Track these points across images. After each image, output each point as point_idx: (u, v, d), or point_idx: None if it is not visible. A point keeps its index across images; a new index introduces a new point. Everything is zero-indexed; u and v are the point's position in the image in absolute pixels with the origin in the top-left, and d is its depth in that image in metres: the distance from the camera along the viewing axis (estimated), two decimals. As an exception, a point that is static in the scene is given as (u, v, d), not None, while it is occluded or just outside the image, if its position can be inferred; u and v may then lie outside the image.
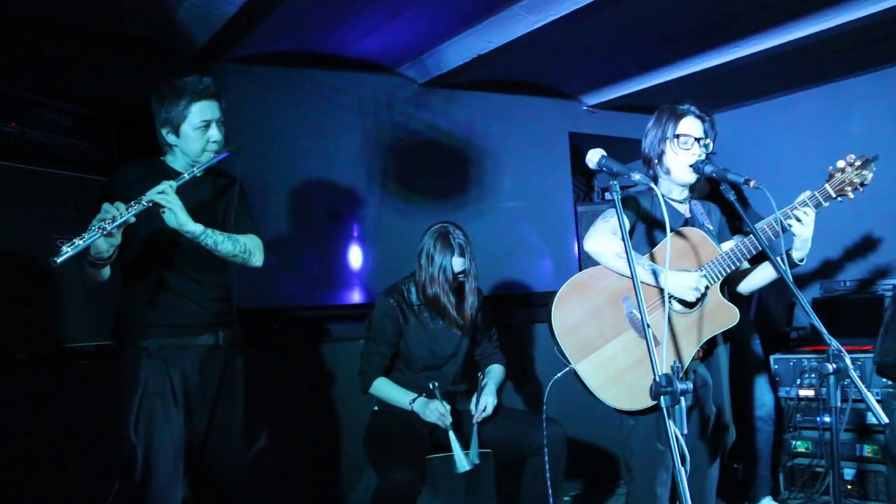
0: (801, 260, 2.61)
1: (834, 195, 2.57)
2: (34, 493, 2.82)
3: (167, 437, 2.48)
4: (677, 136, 2.66)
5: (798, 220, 2.53)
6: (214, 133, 2.60)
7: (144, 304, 2.56)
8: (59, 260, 2.15)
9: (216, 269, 2.69)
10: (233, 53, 3.87)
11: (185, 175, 2.49)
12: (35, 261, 2.93)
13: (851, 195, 2.60)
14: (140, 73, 3.71)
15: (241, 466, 2.80)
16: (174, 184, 2.42)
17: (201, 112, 2.56)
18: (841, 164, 2.60)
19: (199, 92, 2.56)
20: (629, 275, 2.52)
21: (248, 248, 2.66)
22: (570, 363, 2.57)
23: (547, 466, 2.67)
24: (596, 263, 2.66)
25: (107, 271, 2.43)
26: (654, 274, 2.56)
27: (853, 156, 2.60)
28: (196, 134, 2.57)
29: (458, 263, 3.23)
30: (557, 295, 2.62)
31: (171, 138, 2.59)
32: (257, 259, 2.72)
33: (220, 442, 2.68)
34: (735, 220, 3.46)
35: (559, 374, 2.59)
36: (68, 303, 3.03)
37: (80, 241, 2.19)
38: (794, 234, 2.56)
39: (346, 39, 3.94)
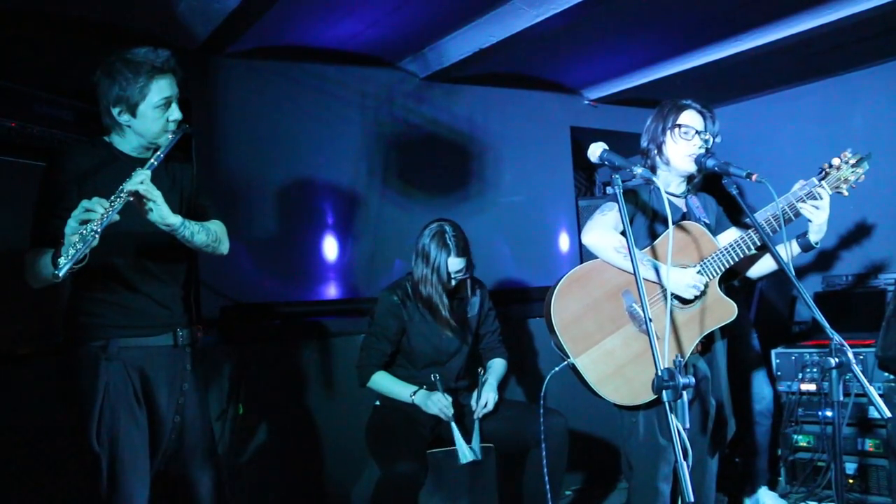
0: (817, 243, 2.63)
1: (829, 191, 2.58)
2: (35, 490, 2.82)
3: (133, 446, 2.31)
4: (678, 126, 2.67)
5: (816, 206, 2.54)
6: (175, 111, 2.37)
7: (101, 301, 2.36)
8: (62, 273, 1.99)
9: (177, 264, 2.52)
10: (233, 48, 3.87)
11: (154, 161, 2.26)
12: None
13: (846, 193, 2.61)
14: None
15: (212, 468, 2.57)
16: (149, 172, 2.20)
17: (161, 89, 2.32)
18: (836, 161, 2.62)
19: (160, 67, 2.31)
20: (627, 269, 2.55)
21: (218, 235, 2.50)
22: (568, 357, 2.56)
23: (545, 461, 2.66)
24: (595, 257, 2.66)
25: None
26: (654, 269, 2.56)
27: (848, 153, 2.62)
28: (156, 113, 2.33)
29: (454, 264, 3.19)
30: (556, 288, 2.60)
31: (124, 118, 2.33)
32: (225, 246, 2.55)
33: (189, 445, 2.49)
34: (735, 213, 3.46)
35: (557, 368, 2.59)
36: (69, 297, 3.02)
37: (76, 250, 2.02)
38: (810, 220, 2.57)
39: (347, 33, 3.93)
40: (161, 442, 2.43)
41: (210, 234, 2.44)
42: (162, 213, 2.23)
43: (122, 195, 2.13)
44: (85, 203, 2.07)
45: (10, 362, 2.86)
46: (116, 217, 2.09)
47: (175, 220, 2.28)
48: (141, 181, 2.16)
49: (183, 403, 2.48)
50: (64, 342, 2.40)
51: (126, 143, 2.41)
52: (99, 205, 2.07)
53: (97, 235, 2.04)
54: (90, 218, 2.05)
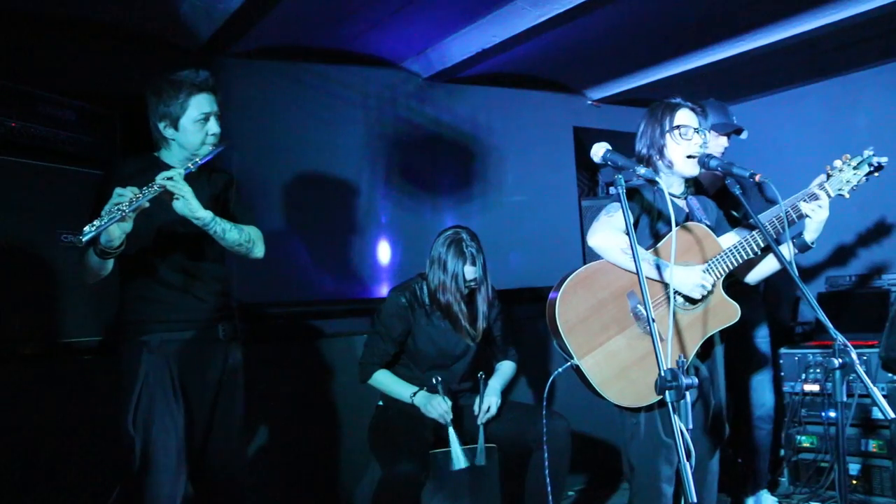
0: (813, 243, 2.62)
1: (832, 194, 2.57)
2: (36, 491, 2.82)
3: (166, 433, 2.46)
4: (676, 128, 2.66)
5: (819, 206, 2.54)
6: (213, 126, 2.61)
7: (144, 299, 2.56)
8: (85, 238, 2.19)
9: (213, 262, 2.70)
10: (236, 48, 3.87)
11: (190, 165, 2.49)
12: (38, 256, 2.93)
13: (847, 195, 2.60)
14: (143, 67, 3.71)
15: (243, 462, 2.78)
16: (182, 171, 2.43)
17: (200, 105, 2.57)
18: (837, 163, 2.62)
19: (198, 85, 2.58)
20: (634, 270, 2.53)
21: (252, 237, 2.68)
22: (572, 359, 2.53)
23: (546, 462, 2.66)
24: (599, 258, 2.64)
25: (111, 263, 2.42)
26: (659, 269, 2.54)
27: (848, 156, 2.61)
28: (195, 127, 2.58)
29: (469, 272, 3.20)
30: (561, 290, 2.56)
31: (169, 132, 2.59)
32: (259, 250, 2.73)
33: (221, 437, 2.66)
34: (740, 213, 3.46)
35: (560, 370, 2.56)
36: (71, 298, 3.03)
37: (101, 222, 2.21)
38: (809, 218, 2.57)
39: (350, 34, 3.93)
40: (197, 435, 2.59)
41: (243, 234, 2.63)
42: (191, 206, 2.42)
43: (153, 186, 2.34)
44: (118, 189, 2.30)
45: (13, 362, 2.86)
46: (146, 203, 2.31)
47: (205, 214, 2.46)
48: (171, 176, 2.38)
49: (221, 398, 2.66)
50: (114, 339, 2.60)
51: (172, 157, 2.64)
52: (129, 190, 2.30)
53: (125, 214, 2.24)
54: (120, 201, 2.27)
